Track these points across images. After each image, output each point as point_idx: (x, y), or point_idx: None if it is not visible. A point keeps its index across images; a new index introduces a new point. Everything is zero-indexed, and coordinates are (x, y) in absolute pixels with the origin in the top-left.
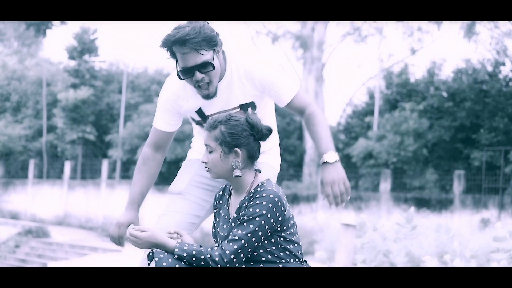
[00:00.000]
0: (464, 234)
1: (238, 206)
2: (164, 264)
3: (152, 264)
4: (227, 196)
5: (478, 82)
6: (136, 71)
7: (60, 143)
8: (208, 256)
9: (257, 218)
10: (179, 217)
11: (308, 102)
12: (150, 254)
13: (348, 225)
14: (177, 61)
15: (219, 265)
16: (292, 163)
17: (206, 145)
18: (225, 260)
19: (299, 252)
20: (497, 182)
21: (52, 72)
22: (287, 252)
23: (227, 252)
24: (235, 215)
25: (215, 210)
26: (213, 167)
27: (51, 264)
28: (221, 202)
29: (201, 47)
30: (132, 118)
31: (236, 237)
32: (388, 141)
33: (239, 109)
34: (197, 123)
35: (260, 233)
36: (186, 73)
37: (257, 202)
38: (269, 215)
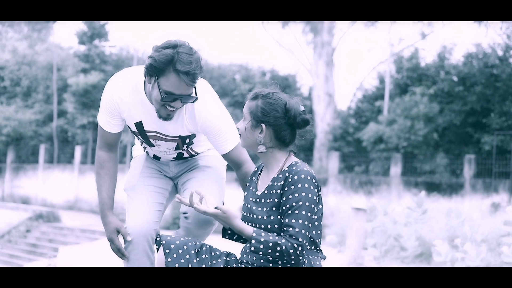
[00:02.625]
0: (474, 219)
1: (270, 183)
2: (172, 246)
3: (161, 249)
4: (259, 172)
5: (489, 66)
6: (147, 55)
7: (70, 127)
8: (284, 248)
9: (306, 203)
10: (144, 210)
11: (246, 159)
12: (158, 239)
13: (358, 209)
14: (156, 77)
15: (293, 262)
16: (303, 148)
17: (243, 111)
18: (300, 257)
19: (318, 240)
20: (508, 166)
21: (62, 57)
22: None
23: (296, 245)
24: (266, 192)
25: (247, 184)
26: (242, 135)
27: (62, 248)
28: (253, 178)
29: (195, 81)
30: None
31: (297, 229)
32: (399, 125)
33: (178, 138)
34: (132, 132)
35: (312, 216)
36: (170, 97)
37: (298, 186)
38: (310, 195)
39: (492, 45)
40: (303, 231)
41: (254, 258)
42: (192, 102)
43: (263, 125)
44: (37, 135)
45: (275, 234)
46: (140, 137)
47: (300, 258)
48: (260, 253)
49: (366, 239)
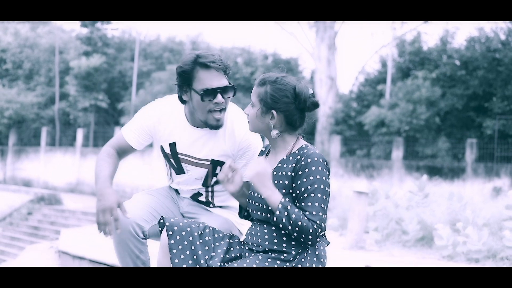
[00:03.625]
0: (476, 203)
1: (278, 165)
2: (175, 228)
3: (164, 231)
4: (266, 153)
5: (491, 50)
6: (149, 38)
7: (72, 110)
8: (305, 225)
9: (321, 186)
10: (137, 207)
11: None
12: (161, 221)
13: (360, 193)
14: (189, 87)
15: (309, 242)
16: (304, 131)
17: (251, 99)
18: (317, 239)
19: (323, 224)
20: (510, 151)
21: (65, 40)
22: None
23: (315, 226)
24: (274, 173)
25: None
26: (251, 121)
27: (64, 231)
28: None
29: (226, 71)
30: (144, 85)
31: (314, 212)
32: (401, 109)
33: (209, 163)
34: (165, 155)
35: (327, 198)
36: (209, 94)
37: (312, 169)
38: (323, 177)
39: (494, 29)
40: (320, 214)
41: (259, 241)
42: (233, 95)
43: (274, 112)
44: (39, 118)
45: (300, 210)
46: (172, 160)
47: (318, 240)
48: (283, 220)
49: (367, 222)
